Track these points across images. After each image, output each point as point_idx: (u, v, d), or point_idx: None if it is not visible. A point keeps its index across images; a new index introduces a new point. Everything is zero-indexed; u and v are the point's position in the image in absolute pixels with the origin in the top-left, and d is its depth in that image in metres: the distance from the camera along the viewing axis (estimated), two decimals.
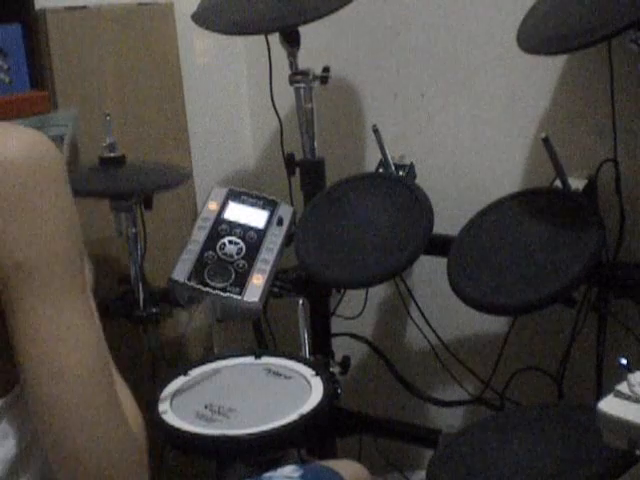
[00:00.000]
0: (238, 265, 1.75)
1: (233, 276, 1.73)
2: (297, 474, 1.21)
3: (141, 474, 0.87)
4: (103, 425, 0.83)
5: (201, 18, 1.89)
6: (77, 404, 0.81)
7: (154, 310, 1.87)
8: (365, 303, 2.08)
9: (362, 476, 1.31)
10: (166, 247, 2.02)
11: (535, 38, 1.58)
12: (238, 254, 1.76)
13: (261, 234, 1.80)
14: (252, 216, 1.83)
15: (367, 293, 2.09)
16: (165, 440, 1.54)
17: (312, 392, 1.50)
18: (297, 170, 1.98)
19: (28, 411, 0.88)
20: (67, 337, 0.82)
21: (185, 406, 1.51)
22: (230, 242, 1.78)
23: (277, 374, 1.59)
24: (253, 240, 1.78)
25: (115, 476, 0.84)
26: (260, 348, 2.00)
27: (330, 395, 1.51)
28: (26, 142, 0.82)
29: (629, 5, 1.37)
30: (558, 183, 1.65)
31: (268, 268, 1.75)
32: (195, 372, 1.62)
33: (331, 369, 1.85)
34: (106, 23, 2.04)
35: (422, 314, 2.00)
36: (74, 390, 0.81)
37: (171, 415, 1.47)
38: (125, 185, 1.81)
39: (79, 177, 1.79)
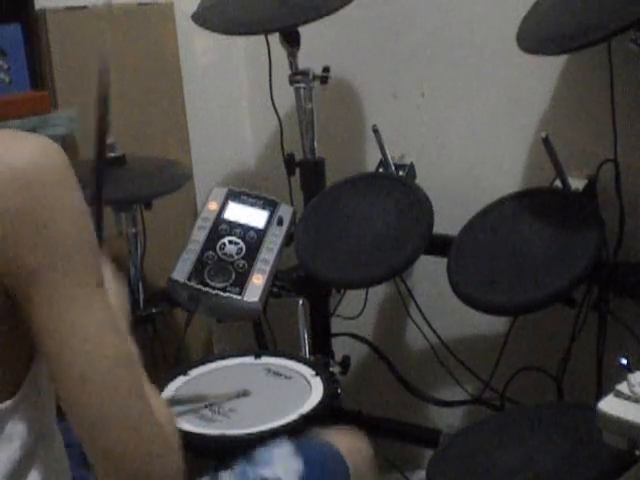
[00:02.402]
0: (238, 265, 1.75)
1: (233, 276, 1.73)
2: (290, 450, 1.19)
3: (174, 461, 0.88)
4: (133, 416, 0.84)
5: (201, 18, 1.89)
6: (104, 400, 0.83)
7: (154, 310, 1.87)
8: (365, 303, 2.08)
9: (359, 444, 1.29)
10: (166, 247, 2.02)
11: (535, 38, 1.58)
12: (238, 254, 1.76)
13: (261, 234, 1.80)
14: (252, 216, 1.83)
15: (367, 293, 2.08)
16: None
17: (312, 392, 1.50)
18: (297, 170, 1.98)
19: (31, 414, 0.89)
20: (88, 334, 0.82)
21: (185, 406, 1.51)
22: (230, 242, 1.78)
23: (277, 374, 1.59)
24: (253, 240, 1.79)
25: (150, 464, 0.85)
26: (260, 348, 2.00)
27: (330, 395, 1.51)
28: (33, 149, 0.82)
29: (629, 5, 1.37)
30: (558, 183, 1.65)
31: (268, 268, 1.76)
32: (195, 372, 1.62)
33: (331, 369, 1.85)
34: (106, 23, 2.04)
35: (422, 314, 2.00)
36: (100, 387, 0.83)
37: None
38: (125, 192, 1.79)
39: (78, 180, 1.78)
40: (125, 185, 1.81)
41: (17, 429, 0.88)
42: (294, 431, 1.39)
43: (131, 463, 0.84)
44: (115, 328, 0.86)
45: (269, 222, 1.82)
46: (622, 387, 1.05)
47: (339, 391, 1.74)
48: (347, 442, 1.28)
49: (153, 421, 0.86)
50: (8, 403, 0.87)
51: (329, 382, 1.55)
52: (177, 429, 0.92)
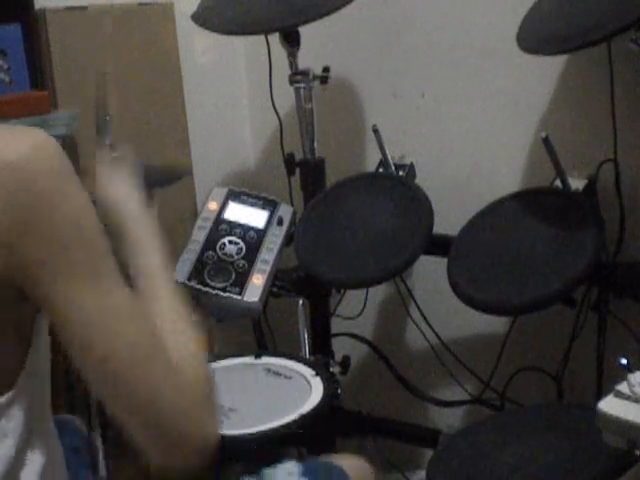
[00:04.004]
0: (238, 265, 1.75)
1: (233, 276, 1.73)
2: (298, 470, 1.22)
3: (209, 424, 0.90)
4: (160, 386, 0.87)
5: (201, 18, 1.89)
6: (129, 376, 0.85)
7: None
8: (365, 303, 2.08)
9: (364, 469, 1.31)
10: (166, 247, 2.02)
11: (535, 38, 1.58)
12: (238, 254, 1.76)
13: (261, 234, 1.80)
14: (252, 216, 1.83)
15: (367, 293, 2.09)
16: None
17: (312, 392, 1.50)
18: (297, 170, 1.98)
19: (26, 410, 0.89)
20: (105, 318, 0.85)
21: None
22: (230, 242, 1.78)
23: (277, 374, 1.59)
24: (253, 240, 1.78)
25: (186, 427, 0.88)
26: (260, 348, 2.00)
27: (330, 395, 1.51)
28: (29, 143, 0.83)
29: (629, 5, 1.37)
30: (558, 183, 1.65)
31: (268, 268, 1.75)
32: None
33: (331, 369, 1.84)
34: (106, 23, 2.04)
35: (422, 314, 2.00)
36: (124, 364, 0.85)
37: None
38: None
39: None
40: None
41: (11, 426, 0.88)
42: (294, 431, 1.39)
43: (169, 431, 0.87)
44: (132, 308, 0.88)
45: (269, 222, 1.82)
46: (622, 387, 1.05)
47: (339, 391, 1.74)
48: (352, 465, 1.30)
49: (182, 386, 0.89)
50: (2, 399, 0.87)
51: (329, 382, 1.54)
52: (213, 392, 0.94)
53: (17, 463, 0.89)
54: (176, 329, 0.96)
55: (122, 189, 1.17)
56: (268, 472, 1.22)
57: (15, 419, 0.88)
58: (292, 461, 1.25)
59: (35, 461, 0.91)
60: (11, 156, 0.81)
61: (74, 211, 0.84)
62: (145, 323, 0.89)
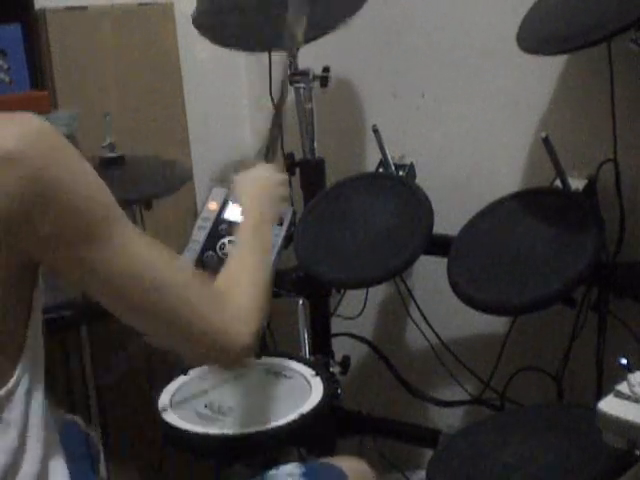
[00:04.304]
0: None
1: None
2: (299, 471, 1.22)
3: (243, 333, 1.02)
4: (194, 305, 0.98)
5: (202, 25, 1.89)
6: (160, 302, 0.96)
7: None
8: (365, 303, 2.08)
9: (365, 473, 1.31)
10: (166, 247, 2.02)
11: (535, 38, 1.58)
12: None
13: None
14: None
15: (367, 293, 2.08)
16: (165, 440, 1.54)
17: (312, 392, 1.50)
18: (297, 170, 1.98)
19: (25, 402, 0.90)
20: (132, 269, 0.93)
21: (185, 405, 1.51)
22: (230, 242, 1.77)
23: (277, 374, 1.59)
24: None
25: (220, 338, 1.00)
26: (260, 348, 2.00)
27: (330, 395, 1.51)
28: (22, 127, 0.85)
29: (629, 5, 1.37)
30: (558, 183, 1.65)
31: None
32: (195, 372, 1.62)
33: (331, 369, 1.84)
34: (106, 23, 2.04)
35: (422, 314, 2.00)
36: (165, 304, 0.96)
37: (171, 414, 1.47)
38: (125, 192, 1.79)
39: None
40: (125, 185, 1.81)
41: (13, 417, 0.89)
42: (294, 431, 1.39)
43: (202, 338, 0.99)
44: (156, 244, 0.97)
45: None
46: (622, 387, 1.05)
47: (339, 391, 1.74)
48: (352, 467, 1.30)
49: (221, 305, 1.01)
50: (3, 391, 0.88)
51: (329, 382, 1.55)
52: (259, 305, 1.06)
53: (20, 454, 0.90)
54: (243, 267, 1.11)
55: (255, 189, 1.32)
56: (270, 474, 1.22)
57: (16, 410, 0.89)
58: (293, 463, 1.26)
59: (36, 452, 0.92)
60: (8, 144, 0.83)
61: (79, 182, 0.89)
62: (165, 254, 0.99)
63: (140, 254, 0.94)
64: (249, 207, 1.27)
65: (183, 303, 0.97)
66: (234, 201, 1.38)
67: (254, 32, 1.83)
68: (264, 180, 1.34)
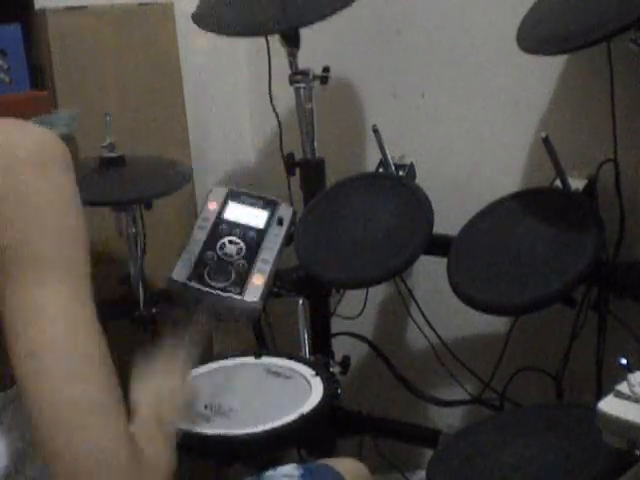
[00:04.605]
0: (238, 265, 1.75)
1: (233, 276, 1.73)
2: (297, 472, 1.22)
3: None
4: (88, 429, 0.77)
5: (201, 19, 1.89)
6: (57, 400, 0.77)
7: (154, 310, 1.87)
8: (365, 303, 2.08)
9: (362, 474, 1.31)
10: (166, 247, 2.02)
11: (535, 38, 1.58)
12: (238, 254, 1.76)
13: (261, 234, 1.80)
14: (252, 216, 1.83)
15: (367, 293, 2.08)
16: None
17: (312, 392, 1.50)
18: (297, 170, 1.98)
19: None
20: (54, 321, 0.79)
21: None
22: (230, 242, 1.78)
23: (277, 374, 1.59)
24: (253, 240, 1.79)
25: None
26: (260, 348, 2.00)
27: (330, 395, 1.51)
28: (32, 140, 0.84)
29: (629, 5, 1.37)
30: (558, 183, 1.65)
31: (268, 268, 1.76)
32: (195, 372, 1.62)
33: (331, 369, 1.84)
34: (106, 23, 2.04)
35: (422, 314, 2.00)
36: (56, 384, 0.78)
37: None
38: (125, 192, 1.79)
39: (78, 181, 1.78)
40: (125, 185, 1.81)
41: (16, 420, 0.88)
42: (294, 431, 1.39)
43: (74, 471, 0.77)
44: (86, 325, 0.81)
45: (269, 222, 1.82)
46: (622, 387, 1.05)
47: (339, 391, 1.74)
48: (350, 469, 1.30)
49: (114, 439, 0.79)
50: (5, 393, 0.88)
51: (329, 382, 1.55)
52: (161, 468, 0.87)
53: (22, 458, 0.90)
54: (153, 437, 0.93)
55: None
56: (268, 475, 1.22)
57: (20, 413, 0.89)
58: (291, 464, 1.25)
59: (39, 454, 0.92)
60: (9, 152, 0.82)
61: (51, 204, 0.82)
62: (95, 347, 0.82)
63: (83, 323, 0.80)
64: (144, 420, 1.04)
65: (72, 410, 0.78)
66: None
67: (253, 17, 1.82)
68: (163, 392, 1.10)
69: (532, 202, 1.66)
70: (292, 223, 1.84)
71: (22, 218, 0.81)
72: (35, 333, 0.78)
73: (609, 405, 1.04)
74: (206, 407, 1.48)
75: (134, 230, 1.84)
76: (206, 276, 1.73)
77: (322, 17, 1.75)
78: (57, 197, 0.84)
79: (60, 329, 0.79)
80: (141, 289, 1.87)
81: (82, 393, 0.79)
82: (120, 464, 0.78)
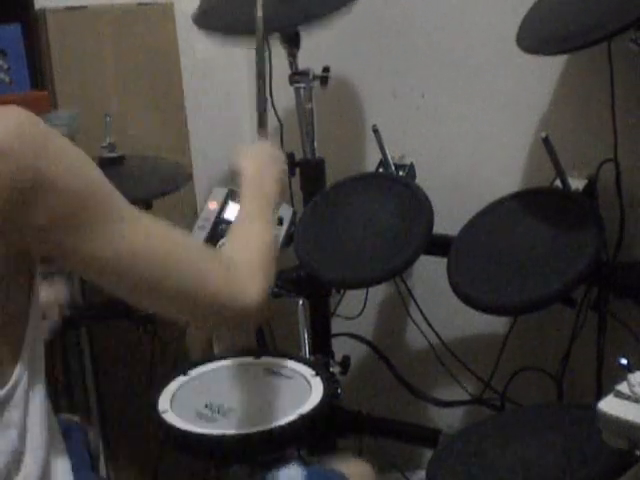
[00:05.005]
0: None
1: None
2: (301, 475, 1.21)
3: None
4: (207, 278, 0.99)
5: (200, 19, 1.89)
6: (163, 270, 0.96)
7: None
8: (365, 303, 2.08)
9: (368, 476, 1.31)
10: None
11: (535, 38, 1.58)
12: None
13: None
14: None
15: (367, 293, 2.08)
16: (165, 440, 1.54)
17: (312, 392, 1.50)
18: (297, 170, 1.98)
19: (26, 402, 0.90)
20: (134, 249, 0.93)
21: (185, 406, 1.51)
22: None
23: (277, 374, 1.59)
24: None
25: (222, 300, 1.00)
26: (260, 348, 2.00)
27: (330, 395, 1.51)
28: (9, 120, 0.85)
29: (629, 5, 1.37)
30: (558, 183, 1.65)
31: None
32: (195, 372, 1.62)
33: (331, 369, 1.84)
34: (106, 23, 2.04)
35: (422, 314, 2.00)
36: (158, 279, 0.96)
37: (171, 415, 1.47)
38: (125, 192, 1.79)
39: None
40: (125, 185, 1.80)
41: (14, 417, 0.88)
42: (294, 431, 1.39)
43: (208, 304, 1.00)
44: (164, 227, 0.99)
45: None
46: (622, 387, 1.05)
47: (339, 391, 1.74)
48: (355, 471, 1.30)
49: (212, 270, 1.01)
50: (3, 391, 0.88)
51: (329, 382, 1.54)
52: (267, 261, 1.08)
53: (21, 455, 0.90)
54: (248, 231, 1.15)
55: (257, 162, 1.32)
56: (270, 476, 1.22)
57: (18, 410, 0.89)
58: (295, 466, 1.25)
59: (38, 453, 0.92)
60: None
61: (72, 170, 0.89)
62: (167, 229, 0.99)
63: (139, 233, 0.95)
64: (250, 178, 1.28)
65: (190, 275, 0.98)
66: (234, 173, 1.35)
67: (253, 17, 1.82)
68: (265, 155, 1.34)
69: (532, 202, 1.66)
70: (292, 223, 1.84)
71: (44, 199, 0.85)
72: (150, 257, 0.95)
73: (609, 405, 1.04)
74: (206, 407, 1.48)
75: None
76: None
77: (322, 17, 1.74)
78: (65, 163, 0.89)
79: (157, 237, 0.98)
80: None
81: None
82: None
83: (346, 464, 1.31)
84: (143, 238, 0.95)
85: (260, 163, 1.31)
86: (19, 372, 0.89)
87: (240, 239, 1.13)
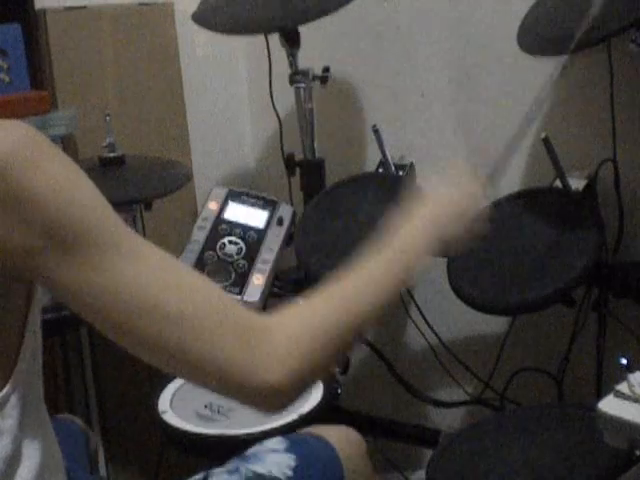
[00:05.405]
0: (238, 265, 1.75)
1: (233, 276, 1.73)
2: (283, 446, 1.19)
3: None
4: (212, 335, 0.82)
5: (201, 18, 1.89)
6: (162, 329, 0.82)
7: None
8: None
9: (353, 440, 1.27)
10: (166, 247, 2.02)
11: (535, 38, 1.58)
12: (238, 254, 1.76)
13: (261, 234, 1.80)
14: (252, 216, 1.83)
15: None
16: (165, 440, 1.54)
17: (312, 392, 1.50)
18: (297, 170, 1.98)
19: (21, 409, 0.89)
20: (128, 290, 0.82)
21: (185, 406, 1.51)
22: (230, 242, 1.78)
23: None
24: (253, 240, 1.78)
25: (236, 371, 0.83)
26: None
27: (330, 395, 1.51)
28: (7, 134, 0.81)
29: (629, 5, 1.37)
30: (558, 183, 1.65)
31: (268, 268, 1.75)
32: None
33: None
34: (106, 23, 2.04)
35: (422, 314, 2.00)
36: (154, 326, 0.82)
37: (171, 415, 1.47)
38: (125, 192, 1.79)
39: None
40: (125, 185, 1.81)
41: (7, 424, 0.87)
42: (294, 431, 1.39)
43: (218, 373, 0.83)
44: (167, 260, 0.87)
45: (269, 222, 1.82)
46: (622, 387, 1.05)
47: (339, 391, 1.74)
48: (340, 437, 1.25)
49: (224, 327, 0.84)
50: None
51: (329, 382, 1.55)
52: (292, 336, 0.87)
53: (14, 462, 0.89)
54: (335, 298, 0.97)
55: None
56: (253, 450, 1.20)
57: (11, 417, 0.88)
58: (277, 437, 1.22)
59: (32, 460, 0.91)
60: None
61: (68, 192, 0.81)
62: (180, 271, 0.88)
63: (139, 272, 0.83)
64: (410, 231, 1.06)
65: (192, 335, 0.82)
66: (407, 208, 1.05)
67: (253, 15, 1.82)
68: (458, 207, 1.07)
69: (532, 202, 1.66)
70: (292, 223, 1.84)
71: (34, 220, 0.79)
72: (145, 301, 0.82)
73: (609, 405, 1.04)
74: (206, 407, 1.49)
75: (134, 230, 1.83)
76: (206, 276, 1.73)
77: (322, 15, 1.74)
78: (61, 187, 0.82)
79: (160, 279, 0.83)
80: None
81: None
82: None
83: (330, 430, 1.25)
84: (136, 274, 0.82)
85: (443, 216, 1.06)
86: (16, 378, 0.88)
87: (319, 304, 0.94)
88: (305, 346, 0.86)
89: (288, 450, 1.17)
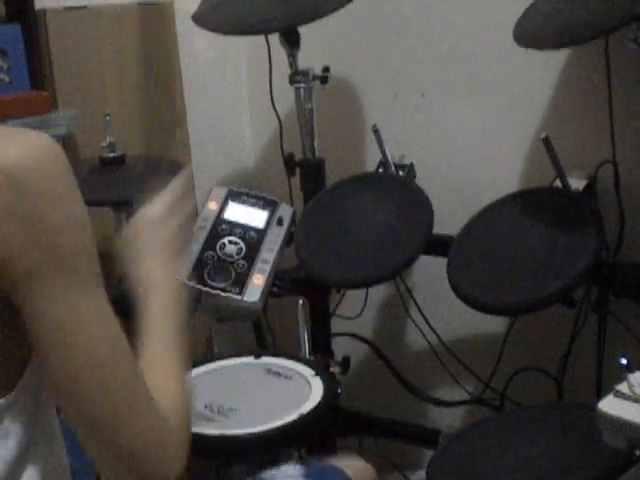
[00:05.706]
0: (238, 265, 1.74)
1: (233, 276, 1.73)
2: (299, 472, 1.21)
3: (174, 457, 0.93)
4: (124, 411, 0.86)
5: (201, 18, 1.89)
6: (97, 397, 0.84)
7: None
8: (365, 303, 2.08)
9: (368, 474, 1.30)
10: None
11: (532, 32, 1.57)
12: (238, 254, 1.76)
13: (261, 234, 1.80)
14: (252, 216, 1.83)
15: (367, 293, 2.08)
16: None
17: (312, 392, 1.50)
18: (297, 170, 1.98)
19: (29, 411, 0.89)
20: (84, 331, 0.83)
21: None
22: (230, 242, 1.78)
23: (277, 374, 1.59)
24: (253, 240, 1.78)
25: (145, 460, 0.88)
26: (260, 348, 2.00)
27: (330, 395, 1.51)
28: (31, 148, 0.81)
29: (627, 2, 1.37)
30: (558, 183, 1.65)
31: (268, 268, 1.75)
32: (195, 372, 1.62)
33: (331, 369, 1.84)
34: (106, 23, 2.04)
35: (422, 314, 2.00)
36: (92, 383, 0.83)
37: None
38: (125, 192, 1.79)
39: (78, 181, 1.78)
40: (125, 185, 1.81)
41: (13, 427, 0.87)
42: (294, 431, 1.39)
43: (129, 458, 0.87)
44: (109, 327, 0.88)
45: (269, 222, 1.82)
46: (622, 387, 1.05)
47: (339, 391, 1.74)
48: (356, 470, 1.28)
49: (150, 416, 0.89)
50: (4, 400, 0.86)
51: (329, 382, 1.55)
52: (186, 425, 0.98)
53: (19, 464, 0.89)
54: (170, 376, 0.99)
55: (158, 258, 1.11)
56: (269, 474, 1.22)
57: (17, 421, 0.88)
58: (294, 464, 1.25)
59: (37, 462, 0.91)
60: (8, 160, 0.79)
61: (64, 221, 0.82)
62: (119, 340, 0.89)
63: (96, 322, 0.85)
64: (153, 276, 1.10)
65: (126, 394, 0.86)
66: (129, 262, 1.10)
67: (253, 15, 1.82)
68: (160, 228, 1.15)
69: (532, 202, 1.66)
70: (292, 223, 1.84)
71: (36, 242, 0.80)
72: (77, 355, 0.83)
73: (609, 405, 1.04)
74: (206, 407, 1.48)
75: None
76: (206, 276, 1.73)
77: (322, 15, 1.74)
78: (68, 214, 0.82)
79: (101, 350, 0.85)
80: None
81: (120, 391, 0.86)
82: (166, 435, 0.92)
83: (346, 461, 1.30)
84: (98, 331, 0.85)
85: (159, 245, 1.11)
86: (26, 379, 0.88)
87: (164, 390, 0.96)
88: (187, 432, 1.00)
89: (304, 477, 1.19)
